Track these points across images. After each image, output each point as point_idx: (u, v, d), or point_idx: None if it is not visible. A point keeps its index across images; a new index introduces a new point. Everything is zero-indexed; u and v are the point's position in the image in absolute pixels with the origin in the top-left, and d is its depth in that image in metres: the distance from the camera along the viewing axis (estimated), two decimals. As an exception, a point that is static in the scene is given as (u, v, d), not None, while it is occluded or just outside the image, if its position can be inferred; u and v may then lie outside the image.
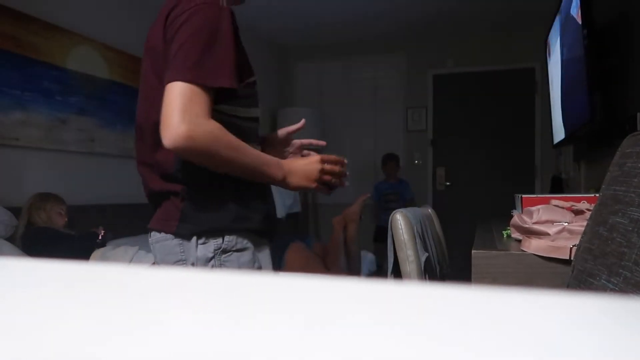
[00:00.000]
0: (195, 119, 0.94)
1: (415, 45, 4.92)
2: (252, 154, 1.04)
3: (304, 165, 1.15)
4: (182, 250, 1.08)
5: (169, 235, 1.08)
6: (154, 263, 2.51)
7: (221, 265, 1.08)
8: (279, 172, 1.10)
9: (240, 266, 1.10)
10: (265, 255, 1.18)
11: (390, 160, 4.49)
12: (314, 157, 1.17)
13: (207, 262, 1.07)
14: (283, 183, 1.12)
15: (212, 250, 1.08)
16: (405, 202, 4.22)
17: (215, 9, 1.02)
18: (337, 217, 2.85)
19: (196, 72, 0.96)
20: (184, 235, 1.06)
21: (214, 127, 0.97)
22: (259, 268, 1.16)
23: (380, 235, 4.26)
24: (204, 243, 1.07)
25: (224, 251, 1.09)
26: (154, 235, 1.12)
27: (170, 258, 1.08)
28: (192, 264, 1.07)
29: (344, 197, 4.50)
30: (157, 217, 1.12)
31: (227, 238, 1.08)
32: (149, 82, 1.09)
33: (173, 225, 1.07)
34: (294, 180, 1.13)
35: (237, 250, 1.10)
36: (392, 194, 4.36)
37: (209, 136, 0.95)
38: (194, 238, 1.06)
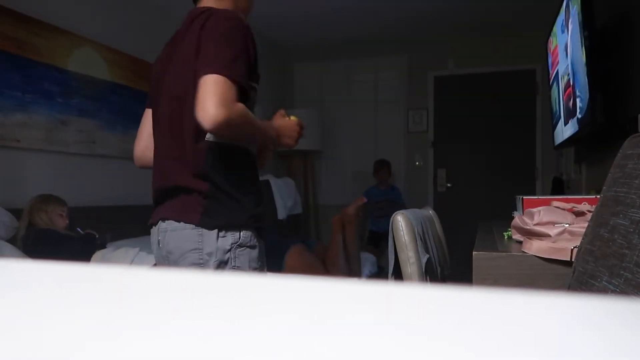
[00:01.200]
0: (230, 104, 1.10)
1: (416, 46, 4.92)
2: (259, 124, 1.24)
3: (286, 127, 1.38)
4: (200, 240, 1.18)
5: (190, 225, 1.18)
6: (154, 264, 2.50)
7: (235, 257, 1.20)
8: (273, 132, 1.32)
9: (250, 260, 1.23)
10: (264, 255, 1.31)
11: (382, 166, 4.50)
12: (293, 120, 1.40)
13: (225, 253, 1.19)
14: (275, 140, 1.34)
15: (229, 243, 1.20)
16: (396, 208, 4.21)
17: (240, 20, 1.22)
18: (336, 216, 2.86)
19: (230, 69, 1.12)
20: (207, 226, 1.18)
21: (242, 108, 1.13)
22: (262, 266, 1.29)
23: (373, 240, 4.26)
24: (224, 236, 1.19)
25: (240, 245, 1.21)
26: (170, 224, 1.21)
27: (187, 245, 1.18)
28: (207, 254, 1.18)
29: (344, 199, 4.50)
30: (175, 208, 1.22)
31: (243, 234, 1.22)
32: (182, 83, 1.21)
33: (196, 218, 1.18)
34: (283, 140, 1.36)
35: (250, 247, 1.23)
36: (383, 201, 4.36)
37: (240, 117, 1.12)
38: (216, 230, 1.18)
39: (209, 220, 1.18)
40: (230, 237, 1.20)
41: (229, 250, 1.19)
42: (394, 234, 1.48)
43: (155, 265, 2.35)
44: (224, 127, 1.08)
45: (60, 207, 2.61)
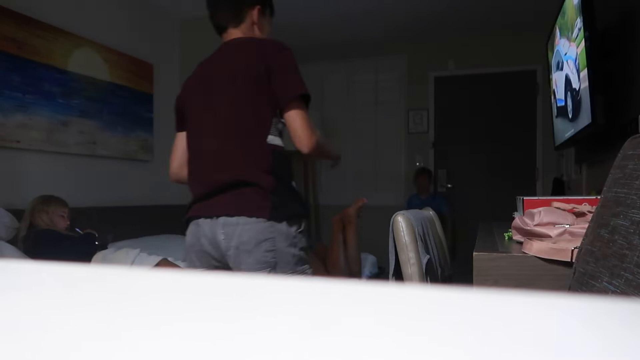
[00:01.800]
0: (314, 129, 1.42)
1: (417, 47, 4.92)
2: (329, 142, 1.57)
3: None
4: (272, 230, 1.37)
5: (262, 219, 1.36)
6: (156, 265, 2.49)
7: (298, 242, 1.43)
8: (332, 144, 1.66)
9: (304, 245, 1.46)
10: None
11: (421, 174, 4.45)
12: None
13: (293, 239, 1.41)
14: (337, 157, 1.72)
15: (295, 231, 1.42)
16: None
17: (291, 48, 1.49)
18: (336, 216, 2.85)
19: (305, 98, 1.43)
20: (277, 219, 1.37)
21: (320, 134, 1.45)
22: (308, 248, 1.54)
23: None
24: (290, 226, 1.40)
25: (301, 231, 1.44)
26: (242, 219, 1.37)
27: (262, 236, 1.36)
28: (279, 241, 1.38)
29: (345, 199, 4.49)
30: (242, 204, 1.38)
31: (302, 223, 1.46)
32: (244, 96, 1.42)
33: (267, 212, 1.36)
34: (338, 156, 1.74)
35: (305, 231, 1.47)
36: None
37: (321, 138, 1.45)
38: (285, 222, 1.39)
39: (277, 213, 1.37)
40: (294, 226, 1.42)
41: (295, 236, 1.41)
42: (394, 234, 1.48)
43: (157, 265, 2.35)
44: (317, 149, 1.42)
45: (62, 208, 2.61)
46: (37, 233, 2.46)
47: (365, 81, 5.10)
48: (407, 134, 4.98)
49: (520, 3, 3.95)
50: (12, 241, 2.48)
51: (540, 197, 1.51)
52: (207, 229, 1.42)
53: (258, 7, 1.57)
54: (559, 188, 3.53)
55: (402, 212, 1.53)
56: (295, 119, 1.40)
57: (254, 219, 1.36)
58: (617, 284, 0.67)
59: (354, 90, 5.13)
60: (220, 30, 1.57)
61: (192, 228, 1.48)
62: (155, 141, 3.93)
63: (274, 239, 1.37)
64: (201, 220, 1.44)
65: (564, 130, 2.58)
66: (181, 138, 1.60)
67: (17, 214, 2.56)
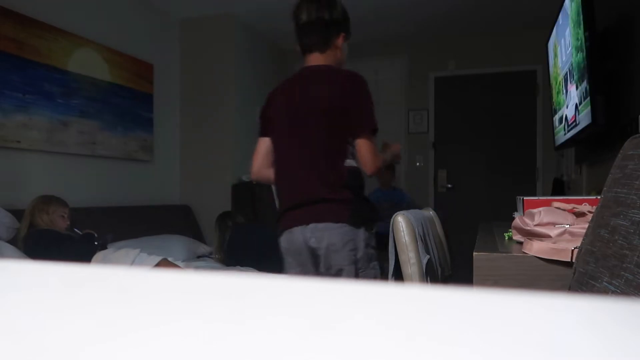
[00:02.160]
0: (379, 155, 1.75)
1: (417, 47, 4.92)
2: (383, 157, 1.84)
3: (395, 150, 2.00)
4: (353, 234, 1.65)
5: (344, 225, 1.64)
6: (156, 265, 2.49)
7: (371, 241, 1.71)
8: (388, 156, 1.93)
9: (374, 244, 1.73)
10: None
11: (386, 168, 4.46)
12: (396, 145, 2.04)
13: (368, 239, 1.69)
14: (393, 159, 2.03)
15: (369, 234, 1.70)
16: (403, 209, 4.17)
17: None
18: None
19: (375, 127, 1.71)
20: (355, 224, 1.65)
21: (381, 157, 1.78)
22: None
23: (379, 242, 4.21)
24: (366, 229, 1.68)
25: (372, 233, 1.72)
26: (328, 225, 1.65)
27: (346, 238, 1.64)
28: (358, 242, 1.66)
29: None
30: (328, 215, 1.66)
31: (373, 227, 1.74)
32: (325, 121, 1.67)
33: (348, 219, 1.64)
34: (397, 159, 2.08)
35: (373, 235, 1.73)
36: (385, 202, 4.33)
37: (382, 162, 1.77)
38: (362, 227, 1.67)
39: (355, 220, 1.65)
40: (369, 229, 1.70)
41: (369, 237, 1.69)
42: (394, 234, 1.48)
43: (157, 265, 2.35)
44: (378, 171, 1.73)
45: (62, 208, 2.61)
46: (37, 233, 2.46)
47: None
48: (407, 134, 4.98)
49: (520, 3, 3.95)
50: (12, 241, 2.48)
51: (540, 197, 1.51)
52: (299, 235, 1.69)
53: (343, 34, 1.77)
54: (559, 188, 3.53)
55: (402, 212, 1.53)
56: (364, 147, 1.68)
57: (338, 225, 1.64)
58: (617, 284, 0.67)
59: (354, 91, 5.13)
60: (306, 51, 1.78)
61: (286, 236, 1.75)
62: (155, 141, 3.93)
63: (355, 241, 1.65)
64: (294, 229, 1.70)
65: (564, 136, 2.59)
66: (263, 143, 1.84)
67: (18, 214, 2.56)
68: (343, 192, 1.67)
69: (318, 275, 1.73)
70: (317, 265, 1.71)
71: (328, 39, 1.74)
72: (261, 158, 1.85)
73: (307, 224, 1.67)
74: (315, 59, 1.75)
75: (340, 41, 1.77)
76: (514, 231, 1.34)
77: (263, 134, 1.85)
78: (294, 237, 1.71)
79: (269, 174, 1.85)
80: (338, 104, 1.67)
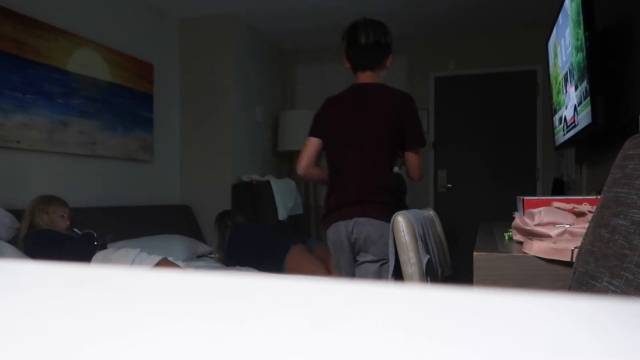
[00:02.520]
0: (422, 166, 2.03)
1: (417, 47, 4.92)
2: None
3: None
4: (387, 229, 1.80)
5: (382, 221, 1.86)
6: (156, 265, 2.50)
7: None
8: None
9: None
10: None
11: None
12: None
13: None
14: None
15: None
16: None
17: None
18: None
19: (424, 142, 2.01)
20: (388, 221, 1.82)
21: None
22: None
23: None
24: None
25: None
26: (370, 220, 1.89)
27: (382, 232, 1.86)
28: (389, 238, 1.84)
29: (345, 200, 4.49)
30: (369, 212, 1.89)
31: None
32: (381, 134, 1.93)
33: (385, 217, 1.82)
34: None
35: None
36: None
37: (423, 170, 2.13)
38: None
39: (390, 217, 1.77)
40: None
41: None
42: (394, 234, 1.48)
43: (157, 265, 2.35)
44: (421, 178, 2.04)
45: (62, 208, 2.61)
46: (37, 233, 2.46)
47: (366, 81, 5.09)
48: (407, 134, 4.98)
49: (520, 3, 3.95)
50: (12, 241, 2.48)
51: (540, 197, 1.51)
52: (343, 227, 1.93)
53: (390, 56, 2.03)
54: (559, 188, 3.53)
55: (402, 212, 1.53)
56: (413, 159, 1.98)
57: (377, 221, 1.87)
58: (617, 283, 0.67)
59: (354, 90, 5.12)
60: (359, 69, 2.00)
61: (332, 228, 1.98)
62: (155, 141, 3.93)
63: (387, 236, 1.82)
64: (339, 223, 1.94)
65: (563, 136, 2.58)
66: (312, 143, 2.04)
67: (18, 214, 2.56)
68: (385, 194, 1.91)
69: (354, 261, 1.98)
70: (355, 253, 1.96)
71: (381, 59, 1.99)
72: (310, 157, 2.05)
73: (351, 218, 1.92)
74: (367, 77, 1.99)
75: (388, 62, 2.02)
76: (514, 231, 1.34)
77: (315, 134, 2.04)
78: (338, 230, 1.95)
79: (314, 172, 2.09)
80: (392, 120, 1.91)
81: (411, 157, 1.97)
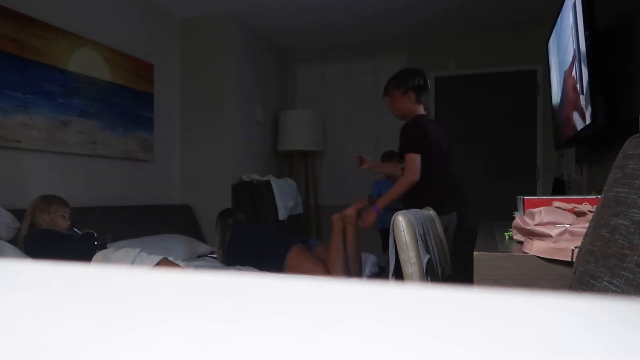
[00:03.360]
0: None
1: (417, 47, 4.92)
2: None
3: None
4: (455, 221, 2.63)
5: (455, 214, 2.67)
6: (156, 265, 2.50)
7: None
8: None
9: None
10: None
11: (390, 157, 4.32)
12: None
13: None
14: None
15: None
16: None
17: None
18: (336, 214, 2.84)
19: None
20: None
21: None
22: None
23: (386, 240, 4.03)
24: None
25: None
26: (454, 214, 2.66)
27: (455, 222, 2.70)
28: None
29: (345, 199, 4.49)
30: (455, 207, 2.68)
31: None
32: (448, 153, 2.71)
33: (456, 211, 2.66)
34: None
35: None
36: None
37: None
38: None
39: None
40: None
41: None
42: (394, 234, 1.48)
43: (157, 265, 2.35)
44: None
45: (63, 208, 2.61)
46: (38, 233, 2.46)
47: (366, 81, 5.10)
48: (408, 133, 4.97)
49: (520, 3, 3.95)
50: (13, 241, 2.48)
51: (540, 197, 1.51)
52: (445, 219, 2.41)
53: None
54: (559, 188, 3.53)
55: (402, 211, 1.53)
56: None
57: (455, 214, 2.66)
58: (618, 283, 0.67)
59: (355, 91, 5.13)
60: (420, 102, 2.66)
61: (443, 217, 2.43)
62: (155, 141, 3.93)
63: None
64: (441, 217, 2.29)
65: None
66: (419, 157, 2.49)
67: (18, 213, 2.56)
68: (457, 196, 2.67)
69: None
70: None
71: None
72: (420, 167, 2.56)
73: (449, 212, 2.55)
74: (418, 109, 2.66)
75: None
76: (514, 231, 1.34)
77: (421, 152, 2.50)
78: (443, 219, 2.34)
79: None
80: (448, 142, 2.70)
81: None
